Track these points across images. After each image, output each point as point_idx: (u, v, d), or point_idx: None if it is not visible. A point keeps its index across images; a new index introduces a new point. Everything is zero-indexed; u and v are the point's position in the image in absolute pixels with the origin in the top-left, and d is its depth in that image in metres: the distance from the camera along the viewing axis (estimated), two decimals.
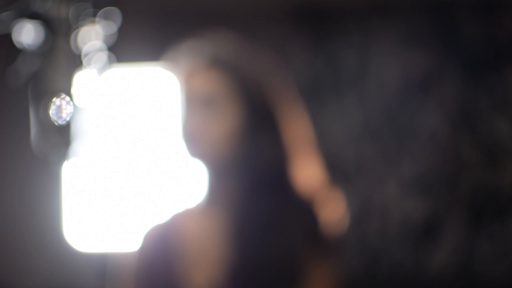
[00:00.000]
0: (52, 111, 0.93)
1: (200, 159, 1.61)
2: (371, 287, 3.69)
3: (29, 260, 3.94)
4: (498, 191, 3.61)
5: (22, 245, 3.98)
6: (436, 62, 3.69)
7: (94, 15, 0.96)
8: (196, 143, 1.60)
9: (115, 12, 0.97)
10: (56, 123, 0.93)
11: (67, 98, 0.93)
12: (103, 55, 0.99)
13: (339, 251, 1.66)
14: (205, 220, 1.65)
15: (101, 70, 1.00)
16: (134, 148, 3.35)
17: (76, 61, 0.92)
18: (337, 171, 3.73)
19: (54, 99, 0.93)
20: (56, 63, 0.92)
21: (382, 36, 3.73)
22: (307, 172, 1.67)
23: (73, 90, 0.94)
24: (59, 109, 0.93)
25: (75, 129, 0.95)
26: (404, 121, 3.70)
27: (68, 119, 0.94)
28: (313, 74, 3.78)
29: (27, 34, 0.92)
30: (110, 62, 1.00)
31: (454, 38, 3.69)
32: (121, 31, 1.01)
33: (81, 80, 0.96)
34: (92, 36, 0.97)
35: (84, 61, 0.97)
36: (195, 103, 1.61)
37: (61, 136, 0.94)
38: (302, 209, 1.63)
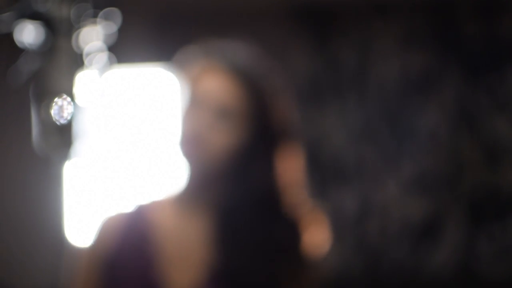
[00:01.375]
0: (53, 111, 0.93)
1: (193, 163, 1.58)
2: (371, 286, 3.69)
3: (31, 258, 3.94)
4: (498, 190, 3.61)
5: (24, 244, 3.98)
6: (436, 62, 3.69)
7: (95, 16, 0.96)
8: (195, 148, 1.57)
9: (115, 12, 0.97)
10: (57, 123, 0.93)
11: (69, 98, 0.94)
12: (104, 56, 0.99)
13: (318, 272, 1.65)
14: (182, 220, 1.63)
15: (102, 70, 1.01)
16: (134, 147, 3.36)
17: (77, 62, 0.92)
18: (338, 171, 3.74)
19: (55, 99, 0.93)
20: (57, 64, 0.92)
21: (383, 37, 3.74)
22: (295, 197, 1.64)
23: (75, 90, 0.94)
24: (61, 109, 0.94)
25: (76, 129, 0.95)
26: (404, 121, 3.70)
27: (69, 119, 0.94)
28: (314, 74, 3.79)
29: (28, 34, 0.92)
30: (111, 62, 1.00)
31: (454, 39, 3.69)
32: (121, 31, 1.01)
33: (82, 80, 0.97)
34: (92, 37, 0.97)
35: (85, 62, 0.97)
36: (206, 108, 1.57)
37: (62, 136, 0.94)
38: (288, 227, 1.61)
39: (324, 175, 3.74)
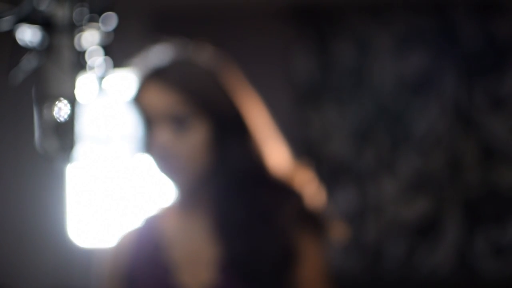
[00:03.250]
0: (55, 113, 0.94)
1: (171, 176, 1.58)
2: (370, 285, 3.68)
3: (33, 259, 3.94)
4: (496, 190, 3.60)
5: (27, 245, 3.98)
6: (434, 63, 3.68)
7: (92, 20, 0.96)
8: (166, 160, 1.57)
9: (112, 16, 0.98)
10: (59, 125, 0.94)
11: (70, 100, 0.95)
12: (102, 59, 1.00)
13: (326, 227, 1.65)
14: (184, 223, 1.64)
15: (101, 73, 1.02)
16: (130, 149, 3.36)
17: (77, 64, 0.93)
18: (337, 170, 3.74)
19: (57, 101, 0.94)
20: (57, 66, 0.93)
21: (382, 37, 3.73)
22: (278, 158, 1.65)
23: (75, 93, 0.95)
24: (62, 110, 0.95)
25: (77, 130, 0.96)
26: (403, 121, 3.69)
27: (70, 120, 0.95)
28: (313, 74, 3.78)
29: (28, 35, 0.92)
30: (109, 66, 1.01)
31: (452, 39, 3.68)
32: (118, 35, 1.02)
33: (83, 82, 0.98)
34: (90, 40, 0.98)
35: (84, 65, 0.98)
36: (159, 119, 1.57)
37: (64, 138, 0.95)
38: (285, 193, 1.62)
39: (323, 174, 3.73)
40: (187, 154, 1.57)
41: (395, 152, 3.68)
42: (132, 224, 1.71)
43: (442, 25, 3.69)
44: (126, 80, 1.67)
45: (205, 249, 1.61)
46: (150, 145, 1.59)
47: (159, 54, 1.65)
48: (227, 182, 1.61)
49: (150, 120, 1.59)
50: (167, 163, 1.58)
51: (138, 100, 1.60)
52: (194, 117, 1.59)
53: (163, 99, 1.58)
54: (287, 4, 3.77)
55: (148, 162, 1.62)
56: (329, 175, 3.73)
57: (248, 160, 1.62)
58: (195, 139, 1.58)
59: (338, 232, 1.67)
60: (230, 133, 1.62)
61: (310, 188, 1.66)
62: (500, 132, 3.62)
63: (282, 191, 1.63)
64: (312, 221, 1.63)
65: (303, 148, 3.76)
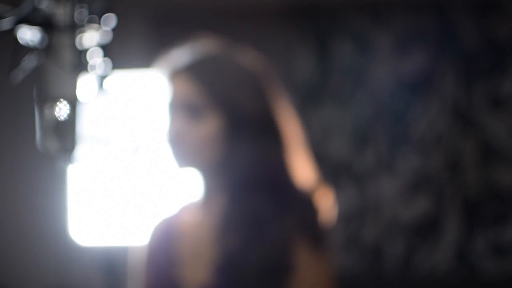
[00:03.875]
0: (56, 113, 0.95)
1: (184, 163, 1.62)
2: (370, 285, 3.68)
3: (35, 256, 3.94)
4: (495, 190, 3.60)
5: (28, 242, 3.98)
6: (433, 63, 3.67)
7: (92, 20, 0.97)
8: (178, 147, 1.61)
9: (112, 16, 0.99)
10: (60, 125, 0.95)
11: (70, 100, 0.96)
12: (102, 59, 1.01)
13: (332, 244, 1.67)
14: (195, 217, 1.66)
15: (101, 73, 1.03)
16: (133, 149, 3.37)
17: (77, 64, 0.93)
18: (338, 170, 3.74)
19: (58, 102, 0.95)
20: (58, 66, 0.94)
21: (382, 37, 3.72)
22: (303, 170, 1.66)
23: (76, 93, 0.96)
24: (63, 110, 0.96)
25: (78, 130, 0.97)
26: (403, 121, 3.69)
27: (71, 120, 0.96)
28: (313, 75, 3.78)
29: (29, 35, 0.93)
30: (109, 66, 1.02)
31: (452, 39, 3.67)
32: (117, 36, 1.03)
33: (83, 82, 0.98)
34: (90, 40, 0.98)
35: (84, 65, 0.99)
36: (177, 108, 1.63)
37: (65, 137, 0.96)
38: (301, 203, 1.63)
39: (323, 174, 3.73)
40: (196, 143, 1.61)
41: (395, 152, 3.68)
42: (162, 215, 1.74)
43: (442, 25, 3.68)
44: (132, 79, 1.73)
45: (207, 247, 1.62)
46: (168, 133, 1.64)
47: (194, 47, 1.70)
48: (234, 181, 1.62)
49: (171, 109, 1.64)
50: (178, 150, 1.62)
51: (168, 90, 1.66)
52: (208, 109, 1.62)
53: (182, 89, 1.64)
54: (287, 4, 3.77)
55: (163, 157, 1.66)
56: (329, 175, 3.73)
57: (261, 163, 1.62)
58: (206, 130, 1.61)
59: (328, 205, 1.68)
60: (249, 133, 1.62)
61: (327, 206, 1.67)
62: (500, 132, 3.62)
63: (298, 199, 1.64)
64: (319, 237, 1.63)
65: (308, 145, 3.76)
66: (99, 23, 0.98)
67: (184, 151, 1.61)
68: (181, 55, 1.69)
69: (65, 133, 0.96)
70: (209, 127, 1.61)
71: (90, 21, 0.97)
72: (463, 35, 3.65)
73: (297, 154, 1.68)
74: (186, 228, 1.66)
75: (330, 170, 3.72)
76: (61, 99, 0.95)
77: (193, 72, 1.64)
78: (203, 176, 1.65)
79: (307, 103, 3.76)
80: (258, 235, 1.58)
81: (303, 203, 1.64)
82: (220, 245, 1.60)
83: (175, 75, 1.66)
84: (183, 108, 1.63)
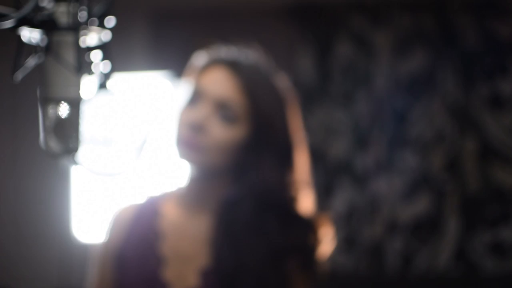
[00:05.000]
0: (59, 114, 0.96)
1: (193, 155, 1.55)
2: (371, 284, 3.68)
3: (38, 254, 3.94)
4: (495, 190, 3.61)
5: (32, 241, 3.98)
6: (434, 63, 3.66)
7: (94, 21, 0.98)
8: (195, 136, 1.54)
9: (113, 17, 1.00)
10: (63, 125, 0.96)
11: (73, 101, 0.96)
12: (104, 60, 1.03)
13: (323, 270, 1.65)
14: (185, 219, 1.61)
15: (103, 73, 1.04)
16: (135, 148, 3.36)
17: (79, 65, 0.93)
18: (339, 170, 3.74)
19: (61, 102, 0.95)
20: (60, 67, 0.94)
21: (382, 37, 3.72)
22: (305, 200, 1.63)
23: (79, 93, 0.96)
24: (66, 111, 0.96)
25: (81, 130, 0.97)
26: (404, 121, 3.68)
27: (74, 120, 0.96)
28: (314, 74, 3.78)
29: (31, 35, 0.93)
30: (111, 66, 1.04)
31: (452, 39, 3.67)
32: (118, 37, 1.03)
33: (86, 83, 0.99)
34: (92, 41, 0.99)
35: (87, 65, 1.00)
36: (206, 99, 1.56)
37: (68, 137, 0.96)
38: (301, 225, 1.60)
39: (323, 174, 3.73)
40: (214, 139, 1.55)
41: (395, 152, 3.68)
42: (131, 200, 1.69)
43: (442, 25, 3.68)
44: (125, 84, 1.68)
45: (196, 252, 1.59)
46: (183, 118, 1.57)
47: (240, 49, 1.67)
48: (239, 193, 1.58)
49: (198, 96, 1.58)
50: (191, 137, 1.55)
51: (198, 74, 1.60)
52: (242, 115, 1.58)
53: (224, 84, 1.58)
54: (288, 5, 3.77)
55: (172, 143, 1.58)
56: (329, 175, 3.73)
57: (272, 183, 1.58)
58: (227, 133, 1.56)
59: (326, 241, 1.65)
60: (269, 151, 1.59)
61: (327, 237, 1.64)
62: (499, 132, 3.62)
63: (296, 220, 1.60)
64: (311, 260, 1.61)
65: (308, 149, 3.76)
66: (100, 24, 0.98)
67: (197, 141, 1.54)
68: (227, 51, 1.65)
69: (69, 133, 0.96)
70: (238, 133, 1.57)
71: (91, 21, 0.97)
72: (463, 35, 3.65)
73: (303, 184, 1.64)
74: (171, 227, 1.61)
75: (330, 170, 3.72)
76: (65, 100, 0.96)
77: (239, 69, 1.60)
78: (204, 177, 1.60)
79: (308, 103, 3.76)
80: (252, 245, 1.55)
81: (303, 224, 1.60)
82: (211, 250, 1.57)
83: (219, 64, 1.60)
84: (216, 102, 1.56)
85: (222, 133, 1.55)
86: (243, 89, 1.58)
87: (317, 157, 3.70)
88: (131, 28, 3.78)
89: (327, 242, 1.63)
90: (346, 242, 3.69)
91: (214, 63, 1.61)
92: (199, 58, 1.64)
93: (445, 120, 3.65)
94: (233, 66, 1.60)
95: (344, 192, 3.71)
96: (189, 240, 1.60)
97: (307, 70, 3.77)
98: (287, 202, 1.59)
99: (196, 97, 1.58)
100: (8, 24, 0.87)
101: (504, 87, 3.62)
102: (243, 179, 1.57)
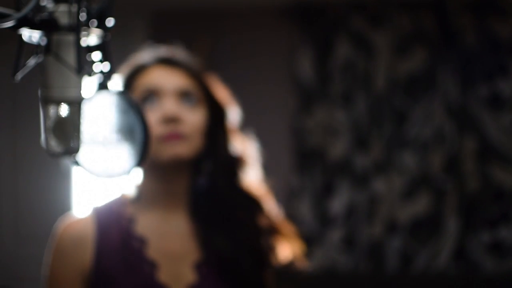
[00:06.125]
0: (60, 114, 0.96)
1: (171, 145, 1.58)
2: (371, 283, 3.69)
3: (39, 253, 3.94)
4: (495, 189, 3.61)
5: (34, 240, 3.99)
6: (433, 63, 3.67)
7: (94, 21, 0.98)
8: (175, 127, 1.58)
9: (113, 17, 1.00)
10: (64, 125, 0.96)
11: (74, 101, 0.96)
12: (104, 60, 1.03)
13: (291, 228, 1.71)
14: (162, 221, 1.62)
15: (103, 73, 1.05)
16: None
17: (80, 65, 0.93)
18: (339, 170, 3.74)
19: (61, 102, 0.95)
20: (61, 67, 0.94)
21: (382, 37, 3.73)
22: (253, 178, 1.71)
23: (80, 93, 0.96)
24: (66, 112, 0.96)
25: (82, 130, 0.97)
26: (404, 121, 3.69)
27: (75, 120, 0.96)
28: (314, 74, 3.78)
29: (32, 36, 0.93)
30: (110, 66, 1.04)
31: (452, 39, 3.67)
32: (120, 35, 1.04)
33: (86, 83, 0.99)
34: (92, 41, 1.00)
35: (87, 65, 1.01)
36: (169, 93, 1.62)
37: (69, 137, 0.96)
38: (254, 202, 1.67)
39: (323, 174, 3.74)
40: (191, 125, 1.60)
41: (395, 151, 3.69)
42: (75, 213, 1.66)
43: (442, 25, 3.69)
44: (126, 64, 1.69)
45: (185, 248, 1.60)
46: (152, 118, 1.59)
47: (167, 49, 1.72)
48: (207, 179, 1.64)
49: (155, 94, 1.62)
50: (171, 130, 1.58)
51: (144, 77, 1.64)
52: (198, 96, 1.65)
53: (175, 77, 1.64)
54: (288, 5, 3.77)
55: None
56: (329, 175, 3.73)
57: (229, 163, 1.66)
58: (198, 117, 1.62)
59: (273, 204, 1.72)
60: (222, 128, 1.67)
61: (272, 205, 1.71)
62: (499, 132, 3.62)
63: (251, 199, 1.68)
64: (276, 225, 1.68)
65: (304, 147, 3.77)
66: (100, 24, 0.99)
67: (179, 129, 1.58)
68: (172, 52, 1.71)
69: (69, 133, 0.96)
70: (200, 114, 1.63)
71: (93, 21, 0.98)
72: (463, 35, 3.66)
73: (251, 164, 1.73)
74: (149, 230, 1.61)
75: (330, 170, 3.72)
76: (65, 100, 0.96)
77: (178, 63, 1.67)
78: (172, 172, 1.62)
79: (307, 103, 3.76)
80: (239, 231, 1.61)
81: (256, 201, 1.69)
82: (199, 243, 1.60)
83: (160, 64, 1.66)
84: (177, 93, 1.63)
85: (194, 117, 1.61)
86: (190, 76, 1.65)
87: (317, 157, 3.71)
88: (131, 28, 3.79)
89: (273, 208, 1.70)
90: (346, 242, 3.69)
91: (154, 63, 1.67)
92: (137, 60, 1.69)
93: (444, 120, 3.65)
94: (172, 62, 1.67)
95: (343, 192, 3.71)
96: (173, 238, 1.61)
97: (307, 70, 3.77)
98: (241, 184, 1.68)
99: (153, 96, 1.62)
100: (9, 24, 0.88)
101: (504, 87, 3.63)
102: (204, 163, 1.63)
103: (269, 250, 1.65)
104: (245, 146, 1.71)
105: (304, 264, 1.75)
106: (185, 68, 1.66)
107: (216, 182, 1.63)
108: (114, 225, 1.61)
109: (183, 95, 1.63)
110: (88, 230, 1.61)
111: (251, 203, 1.66)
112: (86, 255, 1.58)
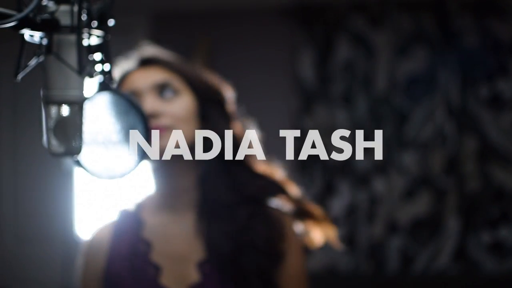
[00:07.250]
0: (62, 114, 0.96)
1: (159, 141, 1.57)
2: (371, 283, 3.69)
3: (42, 254, 3.95)
4: (495, 189, 3.62)
5: (35, 240, 3.99)
6: (434, 63, 3.67)
7: (94, 21, 0.98)
8: (155, 122, 1.57)
9: (112, 20, 1.00)
10: (66, 125, 0.96)
11: (75, 101, 0.96)
12: (104, 60, 1.03)
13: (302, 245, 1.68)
14: (166, 223, 1.63)
15: (104, 73, 1.05)
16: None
17: (81, 65, 0.93)
18: (339, 170, 3.74)
19: (63, 102, 0.96)
20: (62, 67, 0.94)
21: (382, 38, 3.73)
22: (256, 160, 1.70)
23: (81, 93, 0.97)
24: (67, 112, 0.96)
25: (83, 130, 0.98)
26: (404, 121, 3.70)
27: (76, 121, 0.96)
28: (314, 74, 3.79)
29: (33, 36, 0.94)
30: (111, 66, 1.04)
31: (452, 39, 3.68)
32: (121, 36, 1.04)
33: (87, 83, 0.99)
34: (93, 42, 1.00)
35: (88, 65, 1.00)
36: (144, 92, 1.61)
37: (71, 137, 0.97)
38: (278, 186, 1.65)
39: (323, 173, 3.74)
40: (173, 115, 1.59)
41: (395, 151, 3.69)
42: (108, 218, 1.69)
43: (442, 25, 3.69)
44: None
45: (188, 249, 1.60)
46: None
47: (145, 49, 1.72)
48: (212, 175, 1.62)
49: (138, 95, 1.62)
50: (156, 125, 1.58)
51: (126, 84, 1.65)
52: (178, 85, 1.64)
53: (151, 73, 1.65)
54: (288, 5, 3.78)
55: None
56: (329, 175, 3.73)
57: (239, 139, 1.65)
58: (180, 105, 1.62)
59: (328, 234, 1.69)
60: (216, 112, 1.65)
61: (288, 183, 1.69)
62: (499, 132, 3.63)
63: (265, 180, 1.66)
64: (304, 213, 1.66)
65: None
66: (101, 24, 0.99)
67: (163, 123, 1.57)
68: (150, 50, 1.71)
69: (71, 133, 0.96)
70: (183, 101, 1.62)
71: (93, 22, 0.98)
72: (463, 35, 3.66)
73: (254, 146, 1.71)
74: (155, 233, 1.62)
75: (330, 170, 3.73)
76: (67, 100, 0.96)
77: (156, 60, 1.67)
78: (170, 172, 1.62)
79: (308, 103, 3.77)
80: (246, 228, 1.59)
81: (270, 181, 1.67)
82: (203, 243, 1.59)
83: (148, 65, 1.66)
84: (152, 89, 1.62)
85: (175, 107, 1.61)
86: (167, 69, 1.66)
87: (317, 157, 3.71)
88: (132, 28, 3.79)
89: (290, 184, 1.69)
90: (346, 242, 3.69)
91: (133, 66, 1.68)
92: (120, 68, 1.70)
93: (445, 120, 3.65)
94: (148, 61, 1.67)
95: (344, 192, 3.71)
96: (178, 240, 1.62)
97: (307, 70, 3.77)
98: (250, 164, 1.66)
99: (137, 94, 1.64)
100: (10, 24, 0.88)
101: (504, 87, 3.63)
102: (208, 144, 1.61)
103: (280, 245, 1.60)
104: (247, 128, 1.70)
105: (338, 246, 1.74)
106: (161, 63, 1.66)
107: (227, 165, 1.62)
108: (128, 230, 1.65)
109: (161, 89, 1.63)
110: (106, 237, 1.66)
111: (275, 188, 1.64)
112: (101, 261, 1.64)
